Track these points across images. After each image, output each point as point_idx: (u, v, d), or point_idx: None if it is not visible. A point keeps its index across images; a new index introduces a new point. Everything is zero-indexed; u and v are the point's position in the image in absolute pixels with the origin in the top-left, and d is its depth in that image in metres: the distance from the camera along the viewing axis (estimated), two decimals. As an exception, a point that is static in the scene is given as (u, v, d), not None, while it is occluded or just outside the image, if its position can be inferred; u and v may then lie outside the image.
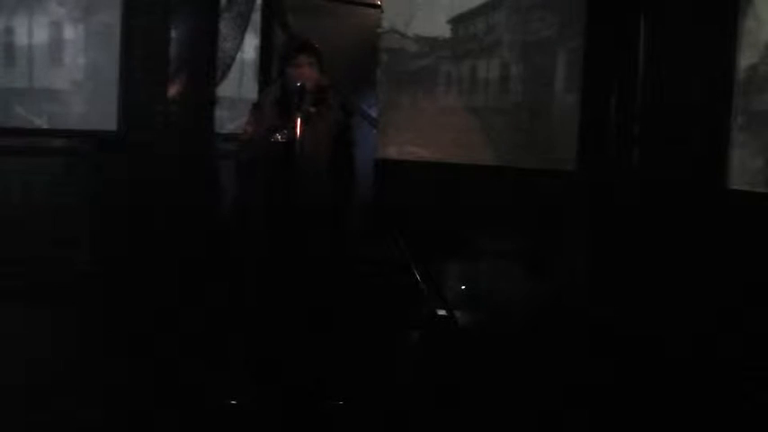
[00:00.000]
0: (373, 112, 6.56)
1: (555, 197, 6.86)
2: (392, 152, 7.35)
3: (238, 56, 6.38)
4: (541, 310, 6.02)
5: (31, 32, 6.34)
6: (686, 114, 6.31)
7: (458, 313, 5.79)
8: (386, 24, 7.18)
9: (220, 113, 6.24)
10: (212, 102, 6.10)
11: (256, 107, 4.26)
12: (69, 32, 6.48)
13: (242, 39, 6.29)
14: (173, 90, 5.86)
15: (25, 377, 4.19)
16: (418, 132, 7.64)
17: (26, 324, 5.02)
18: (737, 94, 6.32)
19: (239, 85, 6.86)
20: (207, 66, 6.05)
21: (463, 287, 6.65)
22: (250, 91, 6.60)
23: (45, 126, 6.37)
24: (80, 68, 6.56)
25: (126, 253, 5.63)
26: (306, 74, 4.08)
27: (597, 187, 6.86)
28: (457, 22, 7.97)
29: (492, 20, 7.86)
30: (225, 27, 6.15)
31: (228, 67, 6.25)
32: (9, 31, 6.30)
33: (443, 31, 7.98)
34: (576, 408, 4.29)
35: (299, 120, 3.89)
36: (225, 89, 6.28)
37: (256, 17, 6.49)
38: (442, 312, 5.70)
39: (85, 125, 6.28)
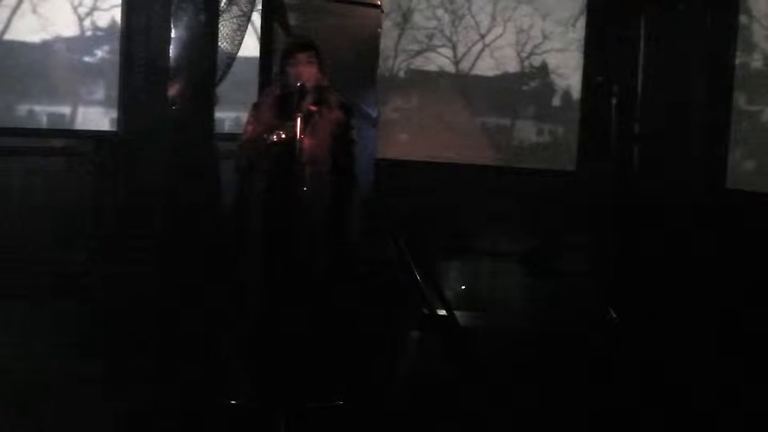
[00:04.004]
0: (373, 112, 6.55)
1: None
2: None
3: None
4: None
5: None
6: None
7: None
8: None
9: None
10: (212, 102, 6.09)
11: (257, 107, 4.27)
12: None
13: (242, 39, 6.27)
14: (173, 90, 5.85)
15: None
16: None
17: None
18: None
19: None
20: (207, 66, 6.03)
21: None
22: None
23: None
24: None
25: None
26: (306, 73, 4.09)
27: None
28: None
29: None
30: (225, 27, 6.13)
31: (228, 66, 6.24)
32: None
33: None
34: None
35: (299, 119, 3.89)
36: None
37: (256, 17, 6.48)
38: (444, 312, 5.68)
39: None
